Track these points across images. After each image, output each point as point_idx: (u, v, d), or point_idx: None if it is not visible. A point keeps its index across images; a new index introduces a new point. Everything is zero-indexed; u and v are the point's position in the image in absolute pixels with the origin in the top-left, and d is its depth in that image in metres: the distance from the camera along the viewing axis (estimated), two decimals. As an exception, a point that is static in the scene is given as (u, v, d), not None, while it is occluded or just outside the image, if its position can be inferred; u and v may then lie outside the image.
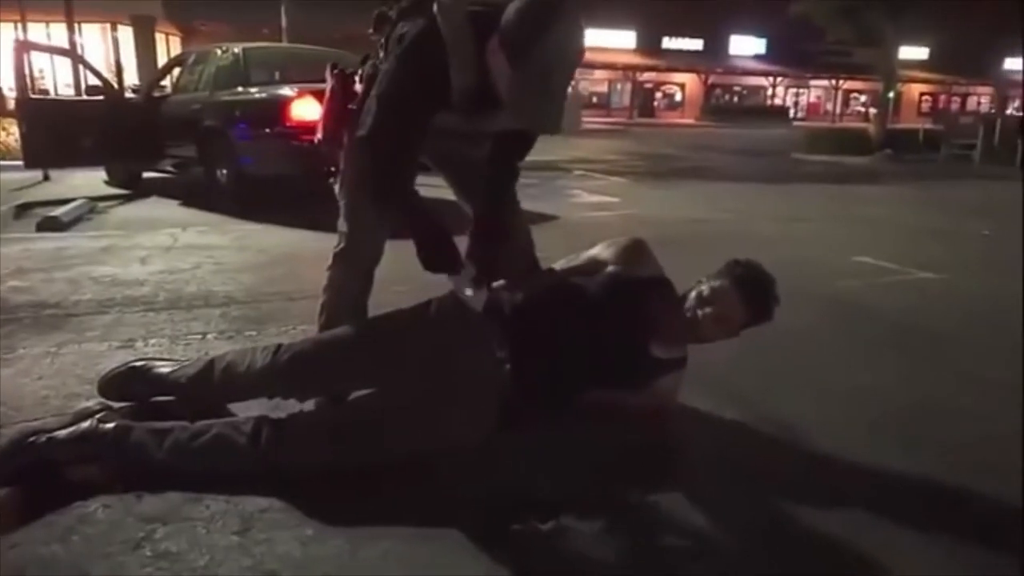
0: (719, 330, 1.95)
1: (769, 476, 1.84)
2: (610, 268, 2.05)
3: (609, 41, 35.29)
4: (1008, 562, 1.51)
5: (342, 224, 2.08)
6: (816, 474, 1.86)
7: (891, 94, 18.50)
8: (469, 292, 1.88)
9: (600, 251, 2.12)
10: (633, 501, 1.68)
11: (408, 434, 1.70)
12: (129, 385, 1.95)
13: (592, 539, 1.53)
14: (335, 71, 2.06)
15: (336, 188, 2.08)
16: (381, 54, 1.90)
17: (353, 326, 1.96)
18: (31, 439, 1.63)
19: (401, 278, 2.27)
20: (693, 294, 1.96)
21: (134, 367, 1.98)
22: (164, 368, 1.98)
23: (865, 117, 33.43)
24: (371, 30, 1.95)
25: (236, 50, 6.51)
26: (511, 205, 2.15)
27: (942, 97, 43.69)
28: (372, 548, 1.46)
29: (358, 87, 2.00)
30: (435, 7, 1.68)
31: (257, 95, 5.86)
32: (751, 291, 1.91)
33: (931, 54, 37.19)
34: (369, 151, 1.78)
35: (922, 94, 43.22)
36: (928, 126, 18.07)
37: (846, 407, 2.27)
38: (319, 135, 2.10)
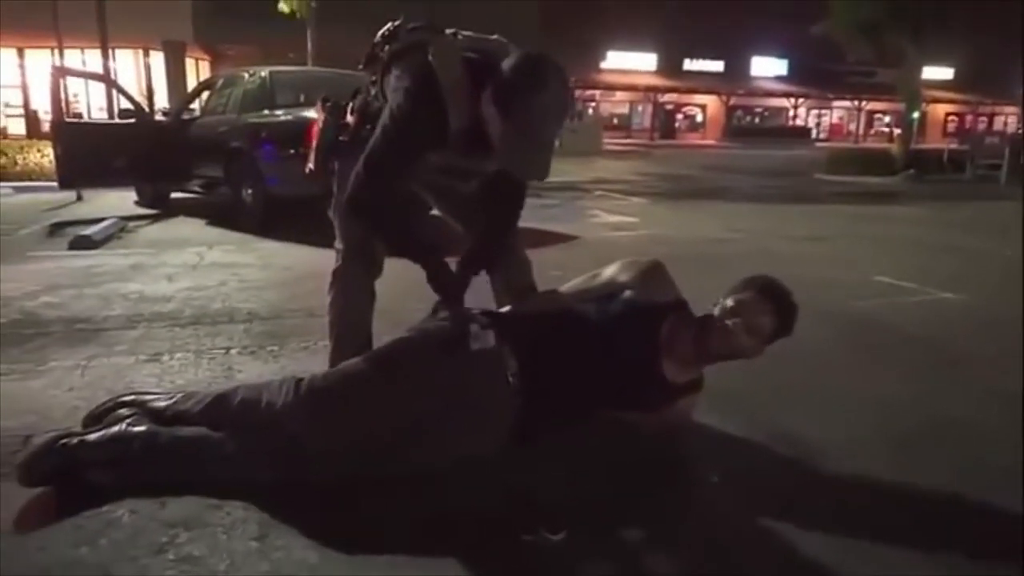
0: (751, 341, 1.90)
1: (776, 494, 1.84)
2: (627, 293, 2.03)
3: (630, 63, 35.53)
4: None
5: (338, 243, 2.18)
6: (822, 493, 1.86)
7: (915, 114, 18.36)
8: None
9: (618, 273, 2.09)
10: (639, 514, 1.69)
11: (420, 447, 1.73)
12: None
13: (601, 551, 1.55)
14: (326, 104, 2.17)
15: (330, 212, 2.18)
16: (372, 91, 2.01)
17: (364, 367, 1.84)
18: (63, 441, 1.69)
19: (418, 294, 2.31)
20: (717, 310, 1.93)
21: (123, 401, 1.90)
22: (160, 402, 1.88)
23: (889, 138, 33.06)
24: (361, 67, 2.06)
25: (263, 73, 6.68)
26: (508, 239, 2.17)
27: (968, 117, 43.19)
28: (385, 555, 1.50)
29: (349, 119, 2.11)
30: (430, 54, 1.77)
31: (282, 117, 5.99)
32: (777, 298, 1.90)
33: (956, 74, 36.94)
34: (363, 166, 1.81)
35: (948, 114, 42.76)
36: (953, 146, 17.88)
37: (860, 425, 2.26)
38: (310, 165, 2.19)
